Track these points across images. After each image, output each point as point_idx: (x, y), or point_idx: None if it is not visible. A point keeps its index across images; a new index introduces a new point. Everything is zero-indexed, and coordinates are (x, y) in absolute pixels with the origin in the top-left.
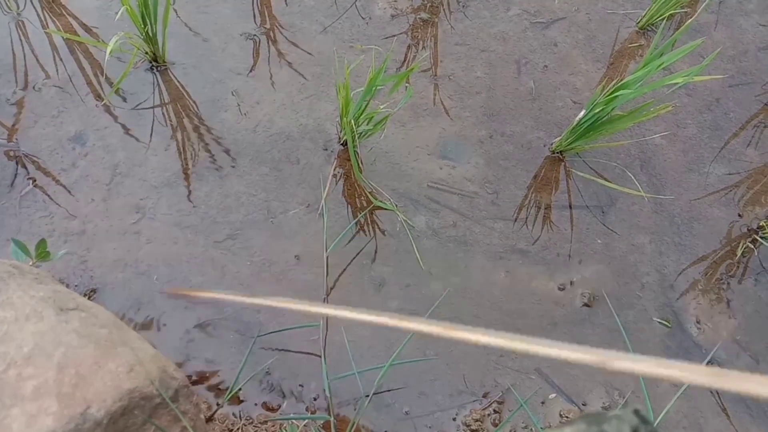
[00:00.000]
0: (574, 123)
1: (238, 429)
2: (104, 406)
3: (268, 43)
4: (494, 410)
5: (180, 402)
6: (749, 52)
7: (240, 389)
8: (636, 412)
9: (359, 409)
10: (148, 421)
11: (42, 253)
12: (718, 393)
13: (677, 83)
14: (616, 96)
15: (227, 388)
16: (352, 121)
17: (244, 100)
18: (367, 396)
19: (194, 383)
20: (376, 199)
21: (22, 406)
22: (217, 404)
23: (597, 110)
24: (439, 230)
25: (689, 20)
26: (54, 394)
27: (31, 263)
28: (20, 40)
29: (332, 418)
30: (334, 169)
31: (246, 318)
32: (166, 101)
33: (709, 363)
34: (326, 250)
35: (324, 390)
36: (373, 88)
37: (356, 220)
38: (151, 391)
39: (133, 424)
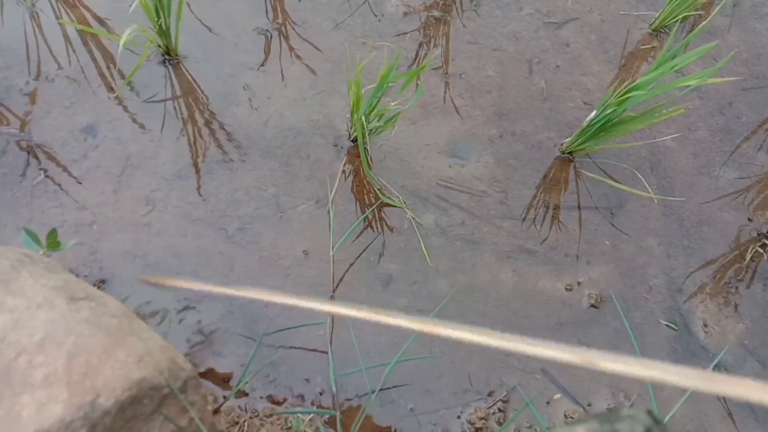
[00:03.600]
0: (585, 123)
1: (243, 422)
2: (113, 395)
3: (279, 38)
4: (499, 409)
5: (188, 393)
6: (763, 55)
7: (246, 382)
8: (649, 412)
9: (365, 405)
10: (156, 411)
11: (53, 242)
12: (724, 399)
13: (690, 85)
14: (628, 97)
15: (233, 381)
16: (363, 118)
17: (256, 95)
18: (374, 392)
19: (200, 375)
20: (384, 196)
21: (32, 394)
22: (224, 397)
23: (608, 111)
24: (447, 228)
25: (703, 22)
26: (64, 382)
27: (41, 252)
28: (34, 30)
29: (338, 413)
30: (344, 166)
31: (253, 312)
32: (178, 94)
33: (716, 367)
34: (332, 248)
35: (329, 385)
36: (385, 85)
37: (364, 216)
38: (160, 382)
39: (141, 414)
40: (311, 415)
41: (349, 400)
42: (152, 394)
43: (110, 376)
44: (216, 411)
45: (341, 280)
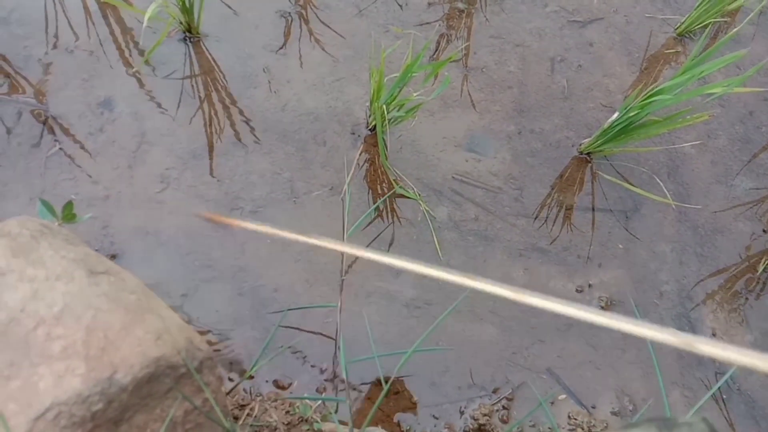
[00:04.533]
0: (607, 125)
1: (248, 405)
2: (131, 372)
3: (301, 22)
4: (503, 406)
5: (204, 373)
6: None
7: (259, 366)
8: (705, 420)
9: (380, 397)
10: (173, 388)
11: (68, 214)
12: (726, 408)
13: (716, 93)
14: (653, 101)
15: (239, 362)
16: (384, 107)
17: (275, 78)
18: (388, 383)
19: None
20: (399, 187)
21: (50, 366)
22: (230, 379)
23: (631, 114)
24: (460, 223)
25: (732, 30)
26: (82, 355)
27: (57, 224)
28: (54, 1)
29: (348, 401)
30: (360, 154)
31: (262, 295)
32: (197, 73)
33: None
34: (345, 232)
35: (335, 371)
36: (409, 75)
37: (376, 204)
38: (177, 361)
39: (157, 392)
40: (318, 401)
41: (353, 387)
42: (169, 372)
43: (128, 352)
44: (229, 392)
45: (352, 268)
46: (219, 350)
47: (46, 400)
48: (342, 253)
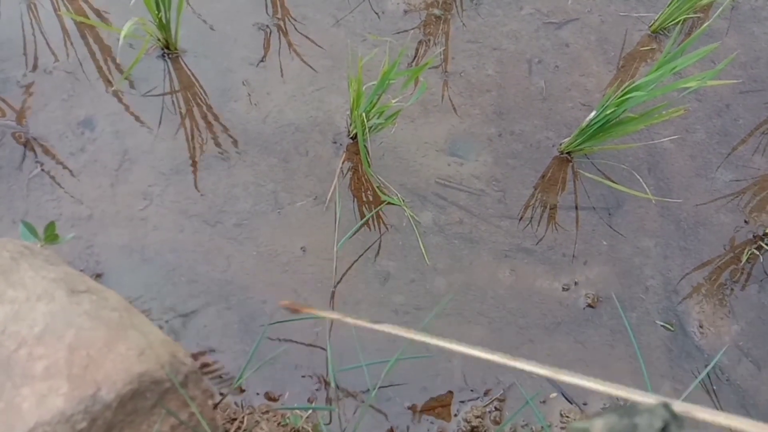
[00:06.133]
0: (585, 124)
1: (239, 418)
2: (114, 388)
3: (279, 34)
4: (495, 407)
5: (189, 387)
6: (761, 59)
7: (241, 377)
8: (665, 406)
9: (365, 403)
10: (158, 403)
11: (51, 235)
12: (717, 398)
13: (690, 87)
14: (628, 98)
15: (228, 376)
16: (363, 114)
17: (255, 91)
18: (374, 388)
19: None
20: (384, 194)
21: (33, 386)
22: (221, 394)
23: (608, 111)
24: (445, 227)
25: (703, 25)
26: (65, 375)
27: (39, 245)
28: (31, 22)
29: (337, 410)
30: (343, 163)
31: (250, 307)
32: (177, 89)
33: (711, 368)
34: (336, 243)
35: (326, 381)
36: (387, 82)
37: (367, 218)
38: (161, 376)
39: (142, 408)
40: (309, 411)
41: (345, 396)
42: (153, 388)
43: (111, 369)
44: (216, 406)
45: (341, 277)
46: (208, 365)
47: (29, 421)
48: (334, 263)
